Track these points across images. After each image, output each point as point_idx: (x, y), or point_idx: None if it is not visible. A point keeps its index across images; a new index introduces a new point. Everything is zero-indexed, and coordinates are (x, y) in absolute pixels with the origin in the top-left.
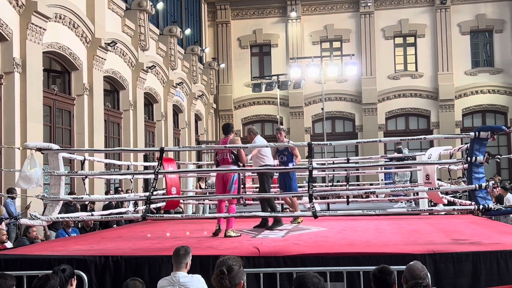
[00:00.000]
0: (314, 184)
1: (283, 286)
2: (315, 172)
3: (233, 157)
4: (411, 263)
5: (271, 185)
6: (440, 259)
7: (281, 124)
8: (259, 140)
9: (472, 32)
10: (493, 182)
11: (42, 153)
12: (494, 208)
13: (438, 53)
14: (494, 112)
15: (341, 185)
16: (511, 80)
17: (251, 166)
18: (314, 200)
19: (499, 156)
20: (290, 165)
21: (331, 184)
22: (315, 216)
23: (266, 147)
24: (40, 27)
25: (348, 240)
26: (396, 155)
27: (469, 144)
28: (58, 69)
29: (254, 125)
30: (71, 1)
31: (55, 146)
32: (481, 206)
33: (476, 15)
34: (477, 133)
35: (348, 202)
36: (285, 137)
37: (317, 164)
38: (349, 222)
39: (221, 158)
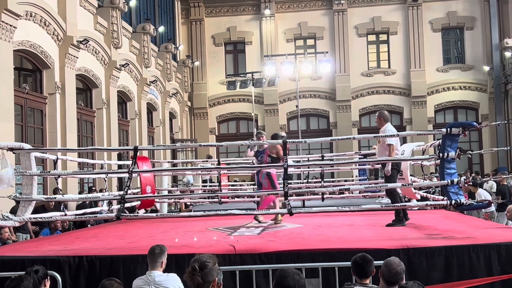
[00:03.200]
0: (289, 181)
1: (259, 283)
2: (290, 170)
3: (270, 160)
4: (388, 258)
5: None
6: (414, 254)
7: (256, 121)
8: (388, 128)
9: (443, 29)
10: (464, 177)
11: (13, 153)
12: (466, 203)
13: (410, 50)
14: (465, 108)
15: (316, 182)
16: (482, 76)
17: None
18: (289, 197)
19: (470, 152)
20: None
21: (306, 181)
22: (290, 213)
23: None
24: (11, 25)
25: (323, 236)
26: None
27: (441, 140)
28: (30, 67)
29: (229, 123)
30: None
31: (26, 146)
32: (453, 201)
33: (447, 12)
34: (448, 129)
35: (323, 199)
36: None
37: (292, 161)
38: (324, 219)
39: (259, 161)
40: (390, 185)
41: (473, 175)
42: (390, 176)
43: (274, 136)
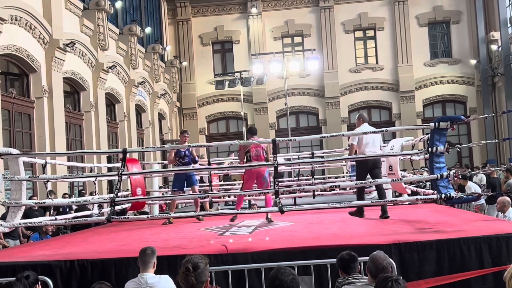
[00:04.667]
0: (281, 179)
1: (252, 282)
2: (281, 168)
3: (265, 154)
4: (373, 253)
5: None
6: (405, 249)
7: (246, 120)
8: (363, 127)
9: (430, 24)
10: (453, 171)
11: (1, 158)
12: (456, 196)
13: (398, 45)
14: (453, 102)
15: (306, 179)
16: (469, 70)
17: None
18: (280, 195)
19: (459, 146)
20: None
21: (297, 178)
22: (281, 211)
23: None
24: None
25: (315, 234)
26: None
27: (429, 134)
28: (16, 71)
29: (219, 122)
30: (27, 2)
31: (14, 151)
32: (443, 195)
33: (433, 7)
34: (436, 123)
35: (314, 196)
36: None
37: (283, 159)
38: (315, 216)
39: (255, 155)
40: (380, 181)
41: (463, 169)
42: (357, 174)
43: (254, 129)
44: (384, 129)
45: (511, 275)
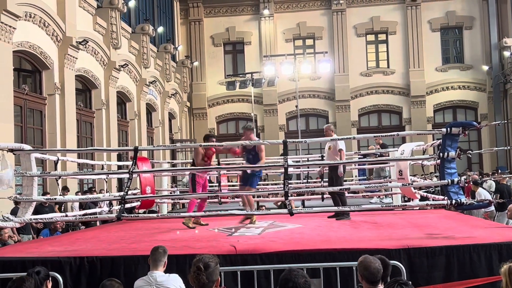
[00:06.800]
0: (289, 181)
1: (260, 284)
2: (290, 170)
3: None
4: (361, 259)
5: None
6: (415, 254)
7: (255, 121)
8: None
9: (442, 29)
10: (465, 177)
11: (14, 153)
12: (467, 202)
13: (409, 50)
14: (464, 107)
15: (315, 182)
16: (481, 76)
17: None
18: (289, 198)
19: (470, 152)
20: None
21: (306, 181)
22: (291, 213)
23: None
24: (10, 26)
25: (324, 237)
26: (381, 150)
27: (441, 140)
28: (29, 68)
29: (229, 123)
30: None
31: (27, 147)
32: (453, 201)
33: (446, 12)
34: (448, 129)
35: (323, 199)
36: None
37: (292, 161)
38: (324, 219)
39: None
40: (391, 185)
41: (474, 173)
42: (332, 178)
43: (211, 137)
44: (395, 133)
45: (506, 270)
